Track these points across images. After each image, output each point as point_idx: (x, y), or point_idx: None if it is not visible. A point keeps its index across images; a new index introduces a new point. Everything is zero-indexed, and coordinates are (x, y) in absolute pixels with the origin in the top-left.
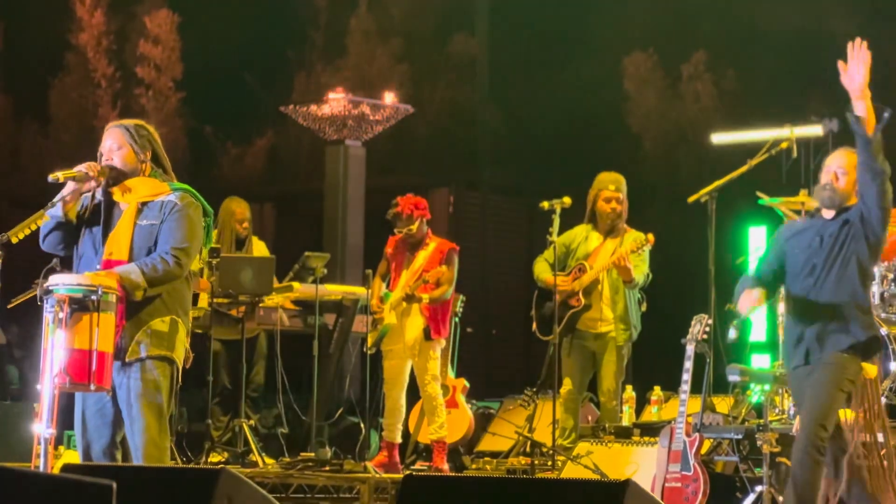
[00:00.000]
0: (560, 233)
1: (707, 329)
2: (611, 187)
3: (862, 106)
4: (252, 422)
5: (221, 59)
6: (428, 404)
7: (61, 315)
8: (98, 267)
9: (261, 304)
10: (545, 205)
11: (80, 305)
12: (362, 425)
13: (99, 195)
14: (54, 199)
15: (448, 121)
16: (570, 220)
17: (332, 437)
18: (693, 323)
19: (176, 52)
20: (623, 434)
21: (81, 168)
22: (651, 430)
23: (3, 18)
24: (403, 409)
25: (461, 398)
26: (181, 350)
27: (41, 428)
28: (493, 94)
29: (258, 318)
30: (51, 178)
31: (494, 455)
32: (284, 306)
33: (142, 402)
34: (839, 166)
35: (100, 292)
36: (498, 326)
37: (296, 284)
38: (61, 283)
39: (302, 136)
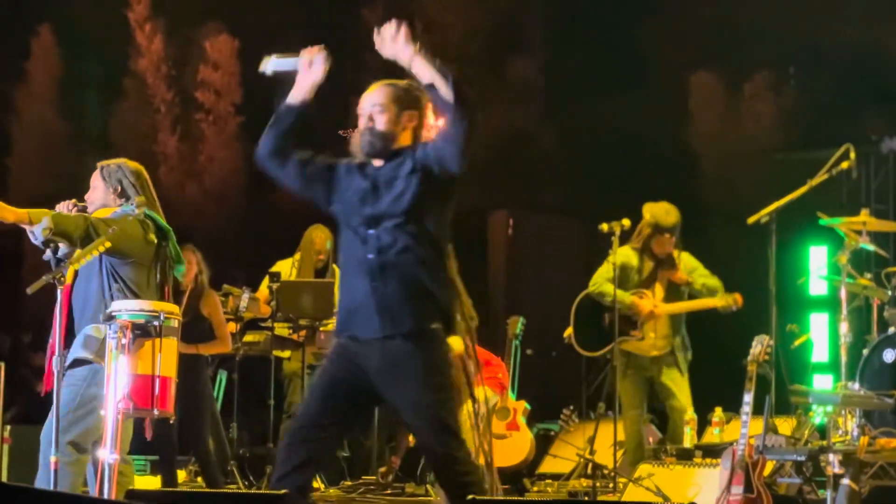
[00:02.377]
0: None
1: (769, 350)
2: (667, 236)
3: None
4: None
5: (281, 83)
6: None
7: (124, 341)
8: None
9: (321, 329)
10: (604, 227)
11: (143, 331)
12: None
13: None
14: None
15: (505, 143)
16: (629, 240)
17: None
18: (754, 343)
19: (235, 77)
20: (685, 456)
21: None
22: (713, 452)
23: (61, 45)
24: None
25: (522, 420)
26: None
27: (105, 453)
28: (551, 115)
29: (318, 343)
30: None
31: (556, 477)
32: None
33: None
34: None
35: (162, 318)
36: (557, 348)
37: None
38: (124, 308)
39: None
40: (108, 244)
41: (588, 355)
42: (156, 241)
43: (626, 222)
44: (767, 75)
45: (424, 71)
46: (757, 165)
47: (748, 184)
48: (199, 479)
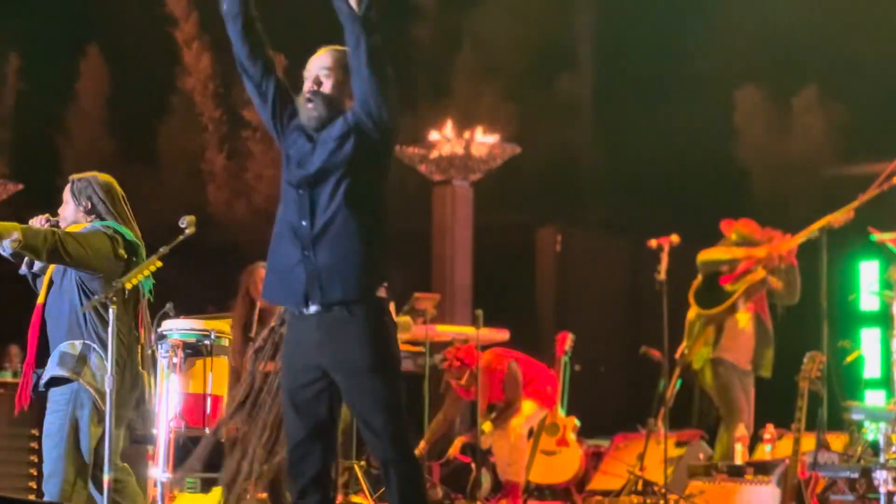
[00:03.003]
0: (668, 272)
1: (820, 366)
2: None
3: None
4: (363, 463)
5: None
6: (508, 443)
7: (175, 360)
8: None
9: None
10: (653, 243)
11: (194, 350)
12: (473, 465)
13: None
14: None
15: (554, 159)
16: (678, 256)
17: (444, 478)
18: (806, 360)
19: None
20: (736, 472)
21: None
22: (764, 469)
23: (110, 63)
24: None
25: (571, 436)
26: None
27: (158, 472)
28: (598, 131)
29: None
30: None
31: (606, 494)
32: None
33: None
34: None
35: (213, 337)
36: (606, 363)
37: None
38: (175, 328)
39: (408, 176)
40: (158, 264)
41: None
42: (126, 256)
43: (676, 238)
44: (816, 89)
45: None
46: (806, 180)
47: (797, 198)
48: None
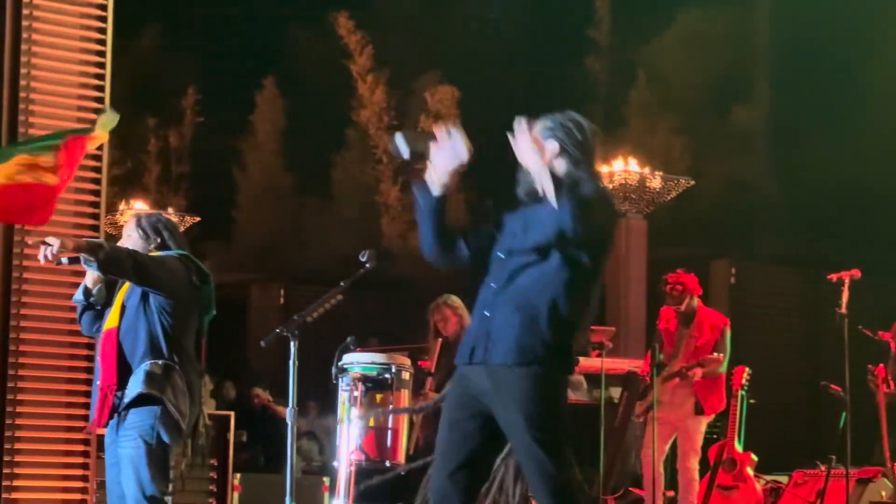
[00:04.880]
0: (849, 306)
1: None
2: None
3: None
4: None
5: (501, 132)
6: (683, 477)
7: (356, 393)
8: (100, 339)
9: None
10: (833, 277)
11: (375, 383)
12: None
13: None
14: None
15: (728, 191)
16: (858, 291)
17: None
18: None
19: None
20: None
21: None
22: None
23: (285, 96)
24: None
25: (749, 472)
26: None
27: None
28: (774, 164)
29: None
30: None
31: None
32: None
33: None
34: None
35: (394, 370)
36: (783, 397)
37: (581, 358)
38: (356, 361)
39: None
40: (339, 297)
41: None
42: (198, 284)
43: (857, 272)
44: None
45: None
46: None
47: None
48: None
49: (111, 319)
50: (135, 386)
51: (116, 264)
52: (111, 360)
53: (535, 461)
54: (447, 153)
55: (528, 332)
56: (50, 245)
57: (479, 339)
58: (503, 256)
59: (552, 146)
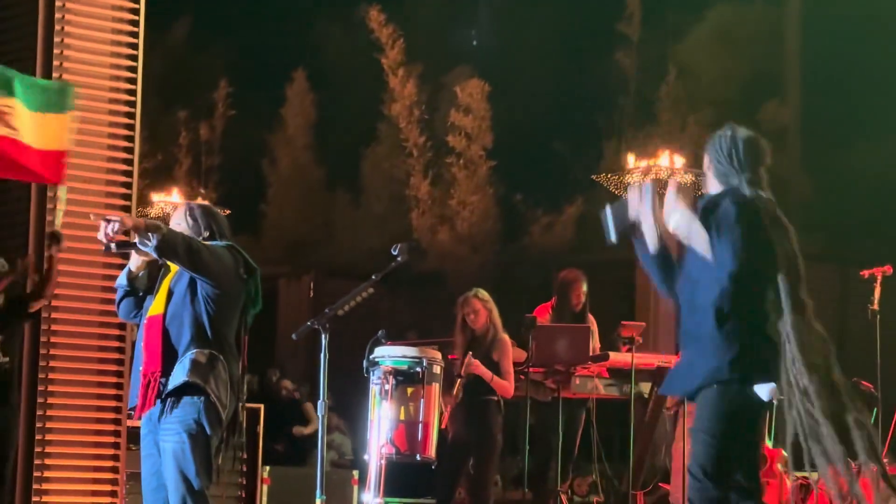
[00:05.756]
0: (881, 303)
1: None
2: None
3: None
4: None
5: (531, 127)
6: None
7: (387, 387)
8: (144, 325)
9: (576, 373)
10: (865, 274)
11: (406, 377)
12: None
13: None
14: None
15: None
16: (891, 288)
17: None
18: None
19: (486, 121)
20: None
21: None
22: None
23: (316, 89)
24: None
25: (779, 468)
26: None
27: (369, 497)
28: (804, 161)
29: (574, 387)
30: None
31: None
32: (600, 375)
33: None
34: None
35: (425, 363)
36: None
37: (611, 353)
38: (387, 355)
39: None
40: (370, 291)
41: None
42: (245, 277)
43: (889, 269)
44: None
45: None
46: None
47: None
48: None
49: (156, 306)
50: (180, 374)
51: (172, 248)
52: (156, 346)
53: None
54: (646, 210)
55: None
56: (110, 222)
57: None
58: None
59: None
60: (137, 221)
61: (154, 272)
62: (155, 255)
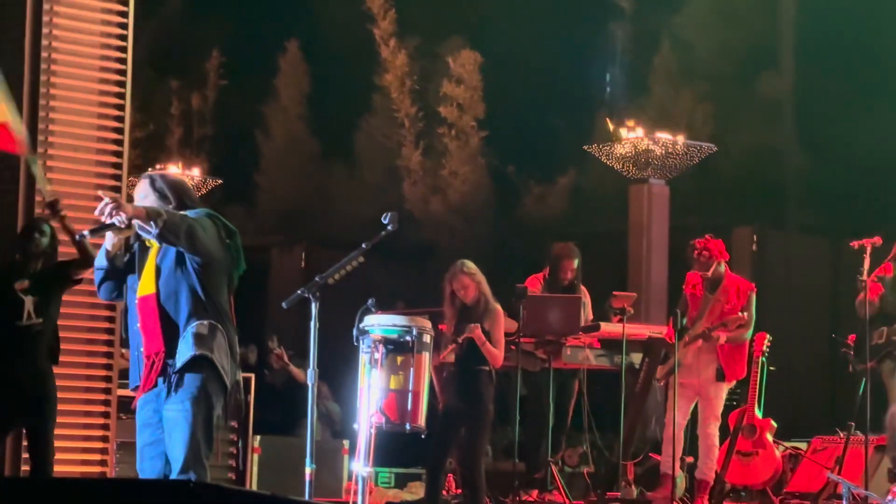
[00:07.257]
0: (870, 273)
1: None
2: None
3: None
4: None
5: (523, 98)
6: (703, 443)
7: (377, 355)
8: (136, 306)
9: (567, 344)
10: (855, 244)
11: (396, 346)
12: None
13: (133, 240)
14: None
15: (752, 160)
16: (881, 259)
17: (639, 477)
18: None
19: (478, 92)
20: None
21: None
22: None
23: (309, 61)
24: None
25: (769, 438)
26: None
27: (358, 466)
28: (799, 133)
29: (565, 357)
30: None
31: (804, 496)
32: (591, 345)
33: None
34: None
35: (415, 332)
36: (803, 365)
37: (602, 323)
38: (377, 323)
39: (605, 175)
40: (361, 260)
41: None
42: (227, 240)
43: (879, 240)
44: None
45: None
46: None
47: None
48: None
49: (146, 285)
50: (186, 349)
51: (174, 232)
52: (155, 326)
53: None
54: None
55: None
56: (110, 203)
57: None
58: None
59: None
60: (138, 210)
61: (128, 248)
62: (157, 242)
